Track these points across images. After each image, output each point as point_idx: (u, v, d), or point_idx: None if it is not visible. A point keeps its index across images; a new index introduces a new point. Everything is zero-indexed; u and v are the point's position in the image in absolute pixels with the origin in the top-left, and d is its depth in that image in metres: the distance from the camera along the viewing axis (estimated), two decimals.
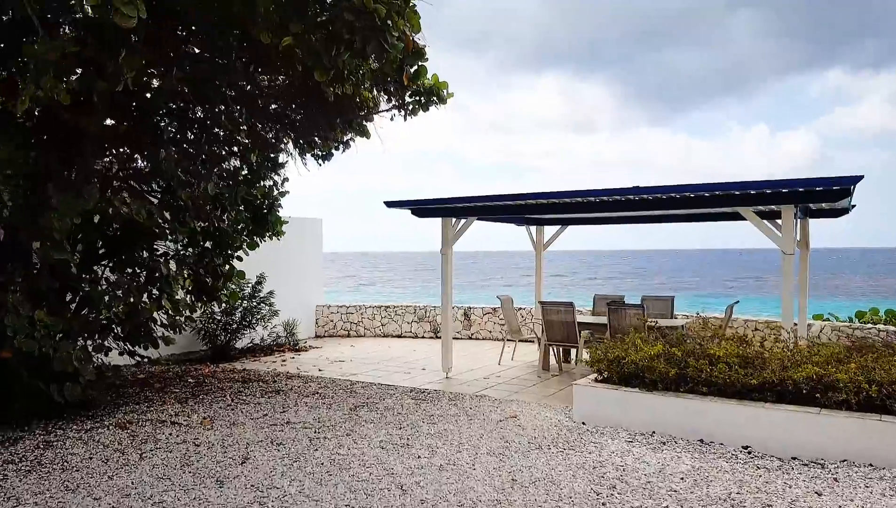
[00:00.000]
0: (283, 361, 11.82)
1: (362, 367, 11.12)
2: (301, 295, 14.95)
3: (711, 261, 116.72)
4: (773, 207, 8.74)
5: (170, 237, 8.88)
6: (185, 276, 9.01)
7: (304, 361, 11.83)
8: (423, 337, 14.96)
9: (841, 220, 11.04)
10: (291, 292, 14.64)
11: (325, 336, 15.37)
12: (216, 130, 9.16)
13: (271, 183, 11.37)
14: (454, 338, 14.45)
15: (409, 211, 10.35)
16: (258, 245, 10.48)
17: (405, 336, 15.13)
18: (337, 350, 13.14)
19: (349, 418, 7.48)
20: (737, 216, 11.16)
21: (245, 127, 9.06)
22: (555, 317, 10.22)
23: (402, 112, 8.91)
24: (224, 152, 9.57)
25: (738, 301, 10.46)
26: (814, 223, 11.14)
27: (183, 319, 8.95)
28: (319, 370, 10.75)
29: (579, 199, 8.82)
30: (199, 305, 9.52)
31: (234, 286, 9.59)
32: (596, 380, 7.48)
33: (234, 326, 12.20)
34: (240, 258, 9.68)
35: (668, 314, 11.41)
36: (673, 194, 8.35)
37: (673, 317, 11.61)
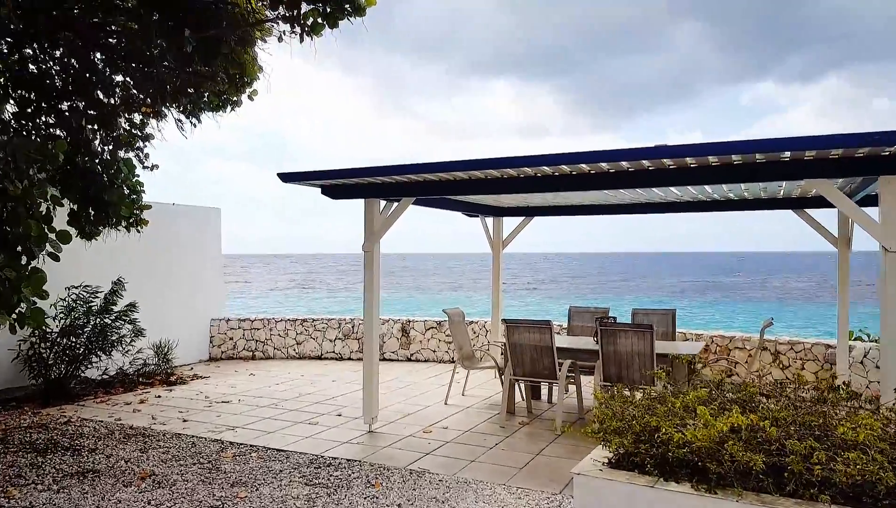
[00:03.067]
0: (143, 401, 8.45)
1: (251, 412, 7.85)
2: (190, 306, 11.55)
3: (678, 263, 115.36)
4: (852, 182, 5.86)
5: None
6: None
7: (172, 401, 8.48)
8: (349, 359, 11.74)
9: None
10: (176, 302, 11.22)
11: (222, 359, 11.98)
12: None
13: (123, 150, 8.06)
14: (388, 359, 11.26)
15: (319, 190, 7.17)
16: (82, 238, 7.16)
17: (326, 358, 11.88)
18: (228, 382, 9.80)
19: None
20: (776, 204, 8.34)
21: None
22: (525, 341, 7.18)
23: (298, 27, 5.74)
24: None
25: (771, 321, 7.62)
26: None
27: None
28: (184, 421, 7.43)
29: (565, 167, 5.78)
30: None
31: (34, 300, 6.12)
32: (610, 463, 4.39)
33: (80, 350, 8.76)
34: (55, 257, 6.22)
35: (669, 334, 8.53)
36: (710, 159, 5.36)
37: (675, 337, 8.72)
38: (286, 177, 6.60)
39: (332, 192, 7.06)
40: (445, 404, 8.26)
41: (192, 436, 6.73)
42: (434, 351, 11.56)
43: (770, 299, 50.90)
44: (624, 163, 5.43)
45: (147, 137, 9.48)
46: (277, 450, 6.23)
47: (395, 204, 7.07)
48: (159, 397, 8.73)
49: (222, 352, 12.00)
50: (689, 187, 6.90)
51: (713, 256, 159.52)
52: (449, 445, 6.43)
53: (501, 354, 10.50)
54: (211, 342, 11.99)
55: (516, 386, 8.11)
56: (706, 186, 6.85)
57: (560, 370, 7.09)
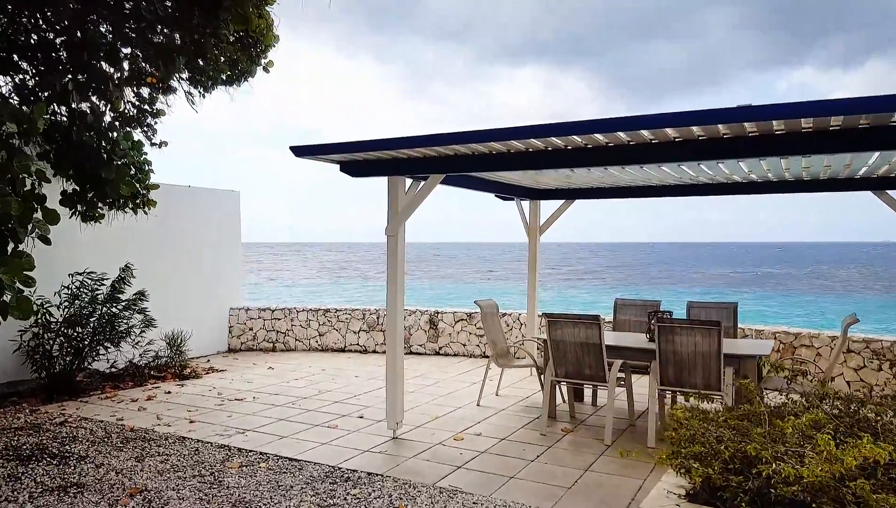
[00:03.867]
0: (151, 397, 7.81)
1: (265, 413, 7.16)
2: (207, 295, 10.91)
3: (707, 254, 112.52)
4: None
5: None
6: None
7: (182, 398, 7.82)
8: (373, 351, 11.02)
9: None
10: (191, 290, 10.59)
11: (241, 350, 11.34)
12: None
13: (129, 125, 7.41)
14: (415, 352, 10.51)
15: (338, 166, 6.40)
16: (83, 220, 6.50)
17: (350, 350, 11.17)
18: (244, 376, 9.13)
19: None
20: (852, 184, 7.36)
21: None
22: (569, 337, 6.35)
23: None
24: None
25: (856, 317, 6.66)
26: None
27: None
28: (191, 422, 6.75)
29: (622, 135, 4.91)
30: None
31: (19, 288, 5.44)
32: (689, 496, 3.56)
33: (86, 342, 8.15)
34: (45, 240, 5.52)
35: (731, 331, 7.62)
36: (803, 122, 4.45)
37: (737, 334, 7.81)
38: (300, 151, 5.83)
39: (352, 168, 6.28)
40: (478, 405, 7.48)
41: (198, 440, 6.04)
42: (464, 345, 10.78)
43: (820, 290, 48.60)
44: (695, 129, 4.55)
45: (157, 113, 8.84)
46: (290, 459, 5.51)
47: (422, 183, 6.27)
48: (169, 393, 8.09)
49: (242, 343, 11.36)
50: (762, 162, 5.98)
51: (748, 246, 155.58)
52: (483, 456, 5.65)
53: (539, 350, 9.68)
54: (230, 332, 11.36)
55: (558, 388, 7.30)
56: (784, 161, 5.92)
57: (610, 371, 6.25)
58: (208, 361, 10.31)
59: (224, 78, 8.77)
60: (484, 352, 10.64)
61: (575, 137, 4.88)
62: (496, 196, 9.29)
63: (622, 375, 6.69)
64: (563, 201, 9.25)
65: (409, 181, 6.41)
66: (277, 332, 11.33)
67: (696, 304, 7.97)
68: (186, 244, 10.46)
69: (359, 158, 6.09)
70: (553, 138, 4.97)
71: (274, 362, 10.23)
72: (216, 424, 6.65)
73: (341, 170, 6.39)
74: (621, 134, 4.77)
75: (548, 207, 9.53)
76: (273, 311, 11.35)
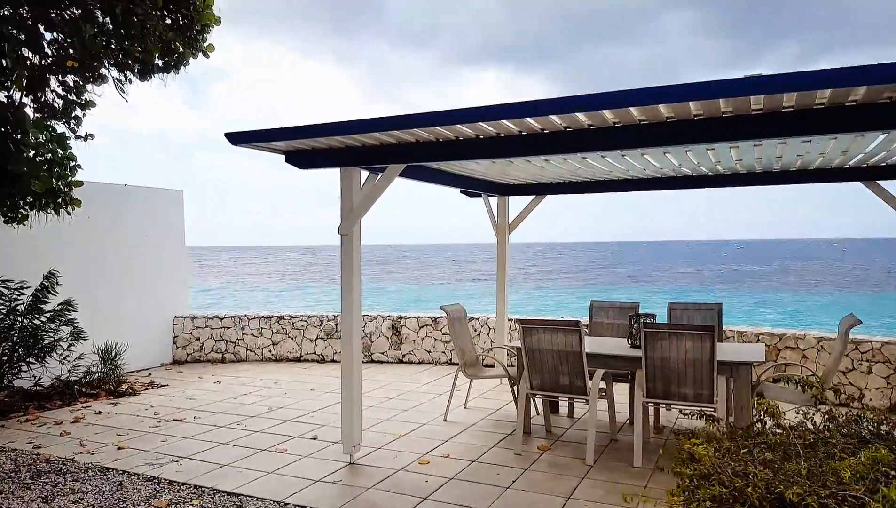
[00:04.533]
0: (78, 419, 6.95)
1: (206, 435, 6.37)
2: (147, 303, 10.03)
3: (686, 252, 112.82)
4: None
5: None
6: None
7: (114, 419, 6.98)
8: (332, 360, 10.26)
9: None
10: (129, 298, 9.71)
11: (187, 362, 10.47)
12: None
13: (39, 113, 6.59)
14: (377, 361, 9.80)
15: (283, 157, 5.66)
16: None
17: (307, 360, 10.39)
18: (187, 392, 8.30)
19: None
20: (843, 175, 6.86)
21: None
22: (545, 345, 5.71)
23: None
24: None
25: (856, 319, 6.12)
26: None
27: None
28: (119, 448, 5.94)
29: (607, 114, 4.29)
30: None
31: None
32: None
33: (4, 358, 7.26)
34: None
35: (717, 333, 7.07)
36: (784, 98, 3.86)
37: (723, 337, 7.27)
38: (236, 138, 5.08)
39: (299, 159, 5.55)
40: (445, 420, 6.80)
41: (123, 472, 5.24)
42: (429, 352, 10.09)
43: (793, 287, 48.62)
44: (720, 102, 3.89)
45: (86, 105, 8.00)
46: (228, 494, 4.76)
47: (380, 175, 5.58)
48: (99, 413, 7.23)
49: (188, 354, 10.49)
50: (755, 148, 5.42)
51: (706, 244, 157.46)
52: (453, 483, 4.96)
53: (510, 357, 9.04)
54: (174, 342, 10.48)
55: (533, 401, 6.67)
56: (780, 146, 5.36)
57: (591, 382, 5.63)
58: (149, 375, 9.43)
59: (160, 64, 7.99)
60: (450, 359, 9.97)
61: (554, 117, 4.23)
62: (462, 192, 8.64)
63: (603, 385, 6.09)
64: (533, 197, 8.63)
65: (364, 174, 5.72)
66: (227, 342, 10.49)
67: (677, 305, 7.41)
68: (122, 248, 9.57)
69: (306, 147, 5.36)
70: (529, 120, 4.31)
71: (222, 374, 9.41)
72: (148, 451, 5.84)
73: (287, 161, 5.65)
74: (606, 113, 4.13)
75: (516, 203, 8.92)
76: (221, 319, 10.51)
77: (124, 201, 9.62)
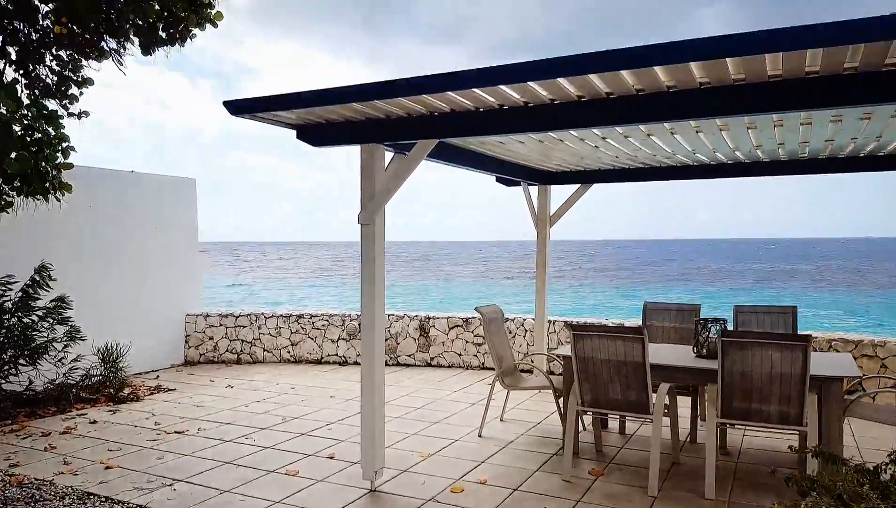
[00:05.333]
0: (69, 429, 6.24)
1: (209, 452, 5.61)
2: (157, 300, 9.34)
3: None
4: None
5: None
6: None
7: (110, 430, 6.27)
8: (354, 363, 9.49)
9: None
10: (136, 295, 9.03)
11: (200, 363, 9.78)
12: None
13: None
14: (403, 364, 9.00)
15: (294, 133, 4.86)
16: None
17: (327, 362, 9.63)
18: (195, 398, 7.58)
19: None
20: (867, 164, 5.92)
21: None
22: (601, 355, 4.85)
23: None
24: None
25: None
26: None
27: None
28: (108, 467, 5.20)
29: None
30: None
31: None
32: None
33: None
34: None
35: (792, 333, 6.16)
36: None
37: None
38: (238, 107, 4.28)
39: (312, 134, 4.75)
40: (480, 435, 5.97)
41: (106, 499, 4.49)
42: (459, 355, 9.26)
43: (841, 286, 46.50)
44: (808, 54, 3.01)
45: (83, 82, 7.33)
46: None
47: (406, 154, 4.76)
48: (94, 423, 6.53)
49: (200, 355, 9.79)
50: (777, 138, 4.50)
51: (734, 242, 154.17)
52: None
53: (548, 362, 8.21)
54: (186, 342, 9.79)
55: (581, 418, 5.82)
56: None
57: (653, 396, 4.76)
58: (157, 377, 8.74)
59: (164, 37, 7.28)
60: (483, 363, 9.14)
61: (625, 74, 3.36)
62: (498, 180, 7.80)
63: (665, 400, 5.21)
64: (578, 186, 7.75)
65: (388, 154, 4.91)
66: (242, 341, 9.77)
67: (745, 308, 6.49)
68: (129, 240, 8.89)
69: (319, 119, 4.56)
70: (592, 79, 3.45)
71: (236, 377, 8.68)
72: (139, 471, 5.10)
73: (298, 137, 4.85)
74: (693, 67, 3.25)
75: (558, 194, 8.06)
76: (237, 317, 9.79)
77: (132, 189, 8.93)
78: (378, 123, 4.50)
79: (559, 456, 5.36)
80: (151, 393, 7.81)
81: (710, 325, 5.42)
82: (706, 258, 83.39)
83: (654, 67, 3.22)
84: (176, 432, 6.16)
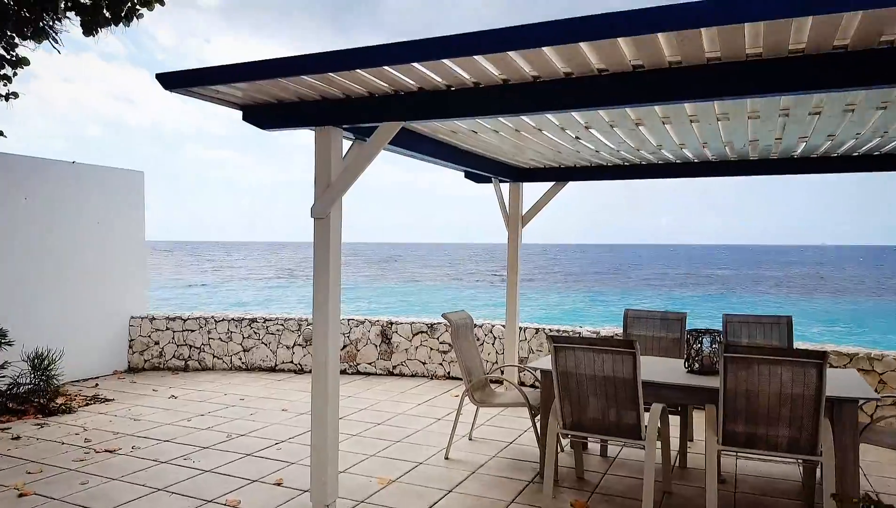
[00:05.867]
0: None
1: (141, 475, 4.94)
2: (98, 302, 8.59)
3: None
4: None
5: None
6: None
7: (32, 448, 5.54)
8: (310, 372, 8.78)
9: None
10: (73, 296, 8.26)
11: (144, 370, 9.03)
12: None
13: None
14: (364, 373, 8.40)
15: (240, 112, 4.23)
16: None
17: (281, 370, 8.96)
18: (134, 411, 6.87)
19: None
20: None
21: None
22: (584, 369, 4.31)
23: None
24: None
25: None
26: None
27: None
28: (21, 494, 4.50)
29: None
30: None
31: None
32: None
33: None
34: None
35: (786, 346, 5.72)
36: None
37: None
38: (170, 80, 3.64)
39: (260, 115, 4.13)
40: (447, 458, 5.40)
41: None
42: (424, 363, 8.68)
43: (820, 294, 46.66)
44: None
45: (18, 62, 6.64)
46: None
47: (366, 140, 4.17)
48: (17, 438, 5.80)
49: (145, 361, 9.05)
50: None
51: (693, 248, 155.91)
52: None
53: (520, 374, 7.69)
54: (130, 347, 9.04)
55: (560, 439, 5.28)
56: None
57: (644, 418, 4.23)
58: (96, 385, 7.99)
59: (109, 16, 6.65)
60: (448, 372, 8.57)
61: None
62: (466, 176, 7.26)
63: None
64: (552, 184, 7.24)
65: (346, 142, 4.33)
66: (191, 347, 9.05)
67: (735, 317, 6.03)
68: (67, 237, 8.12)
69: (269, 98, 3.95)
70: (582, 48, 2.90)
71: (182, 386, 7.98)
72: (57, 499, 4.42)
73: (245, 118, 4.23)
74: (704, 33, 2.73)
75: (531, 193, 7.54)
76: (185, 320, 9.06)
77: (72, 182, 8.17)
78: (336, 103, 3.91)
79: (536, 484, 4.81)
80: (87, 404, 7.08)
81: (702, 337, 4.94)
82: (667, 263, 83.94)
83: (658, 34, 2.68)
84: (107, 451, 5.46)
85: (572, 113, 4.35)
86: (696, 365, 4.83)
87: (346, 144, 4.32)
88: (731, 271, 71.19)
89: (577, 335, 4.51)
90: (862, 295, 45.60)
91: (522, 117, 4.55)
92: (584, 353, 4.28)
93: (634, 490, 4.68)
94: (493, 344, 8.39)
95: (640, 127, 4.79)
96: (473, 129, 4.98)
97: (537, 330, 8.14)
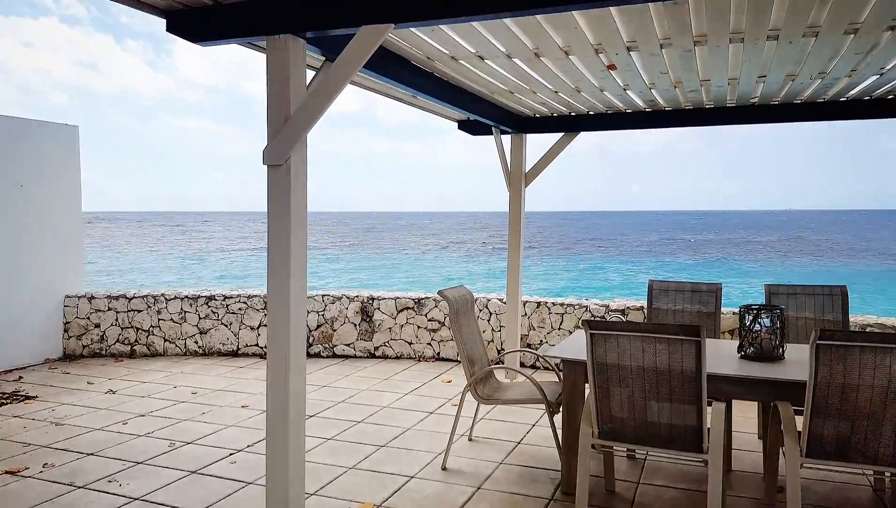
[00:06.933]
0: None
1: (52, 503, 3.83)
2: (27, 278, 7.36)
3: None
4: None
5: None
6: None
7: None
8: None
9: None
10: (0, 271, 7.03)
11: (83, 356, 7.85)
12: None
13: None
14: (341, 356, 7.33)
15: (164, 20, 3.07)
16: None
17: (244, 354, 7.85)
18: (59, 411, 5.71)
19: None
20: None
21: None
22: (628, 361, 3.28)
23: None
24: None
25: None
26: None
27: None
28: None
29: None
30: None
31: None
32: None
33: None
34: None
35: (842, 322, 4.80)
36: None
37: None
38: None
39: (191, 22, 2.98)
40: (444, 468, 4.36)
41: None
42: (410, 343, 7.63)
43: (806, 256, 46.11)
44: None
45: None
46: None
47: (335, 59, 3.03)
48: None
49: (84, 346, 7.86)
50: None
51: (668, 214, 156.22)
52: None
53: (520, 357, 6.71)
54: (66, 331, 7.84)
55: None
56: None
57: (711, 425, 3.23)
58: (20, 378, 6.81)
59: None
60: (438, 353, 7.54)
61: None
62: (461, 126, 6.16)
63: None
64: (561, 135, 6.16)
65: (314, 69, 3.20)
66: (137, 329, 7.88)
67: (780, 289, 5.07)
68: None
69: None
70: None
71: (125, 376, 6.84)
72: None
73: (170, 29, 3.07)
74: None
75: (534, 148, 6.46)
76: (130, 299, 7.87)
77: None
78: (297, 1, 2.78)
79: (559, 502, 3.80)
80: (5, 402, 5.91)
81: (762, 315, 3.95)
82: (648, 230, 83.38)
83: None
84: (7, 472, 4.32)
85: (616, 23, 3.26)
86: (751, 349, 3.85)
87: (310, 66, 3.20)
88: (716, 235, 70.90)
89: (623, 321, 3.48)
90: (874, 258, 45.34)
91: (547, 33, 3.45)
92: (629, 341, 3.24)
93: (678, 505, 3.70)
94: (488, 320, 7.36)
95: (698, 46, 3.72)
96: (480, 53, 3.87)
97: (538, 304, 7.13)
